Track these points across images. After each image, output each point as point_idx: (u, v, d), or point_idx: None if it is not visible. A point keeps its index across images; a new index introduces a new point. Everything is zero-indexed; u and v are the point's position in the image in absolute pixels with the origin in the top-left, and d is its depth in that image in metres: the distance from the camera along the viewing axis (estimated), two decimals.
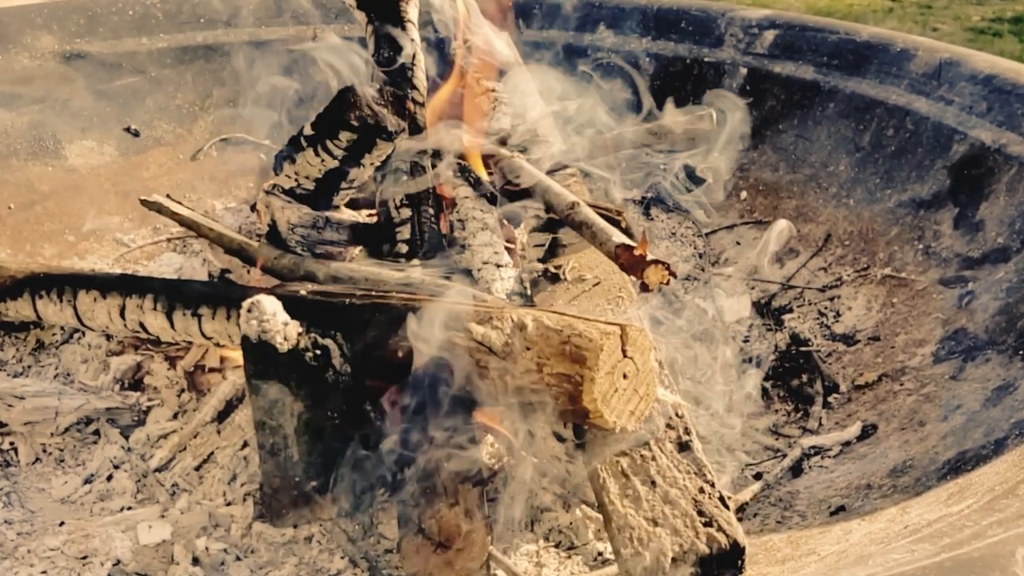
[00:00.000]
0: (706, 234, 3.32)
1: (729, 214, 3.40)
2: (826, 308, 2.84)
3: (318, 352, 1.85)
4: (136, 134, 3.51)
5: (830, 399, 2.52)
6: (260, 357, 1.83)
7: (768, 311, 2.89)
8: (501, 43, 3.26)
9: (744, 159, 3.49)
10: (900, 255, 2.84)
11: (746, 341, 2.77)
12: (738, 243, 3.25)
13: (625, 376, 1.67)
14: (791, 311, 2.88)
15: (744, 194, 3.41)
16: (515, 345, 1.68)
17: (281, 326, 1.82)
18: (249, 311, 1.82)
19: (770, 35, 3.62)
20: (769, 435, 2.43)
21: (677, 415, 1.86)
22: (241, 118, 3.69)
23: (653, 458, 1.77)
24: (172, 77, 3.71)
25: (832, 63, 3.42)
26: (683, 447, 1.79)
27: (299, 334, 1.84)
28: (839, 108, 3.32)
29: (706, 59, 3.68)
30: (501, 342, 1.69)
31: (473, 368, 1.72)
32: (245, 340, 1.83)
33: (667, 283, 1.94)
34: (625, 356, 1.66)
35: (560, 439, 2.06)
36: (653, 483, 1.72)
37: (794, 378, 2.61)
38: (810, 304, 2.88)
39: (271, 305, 1.83)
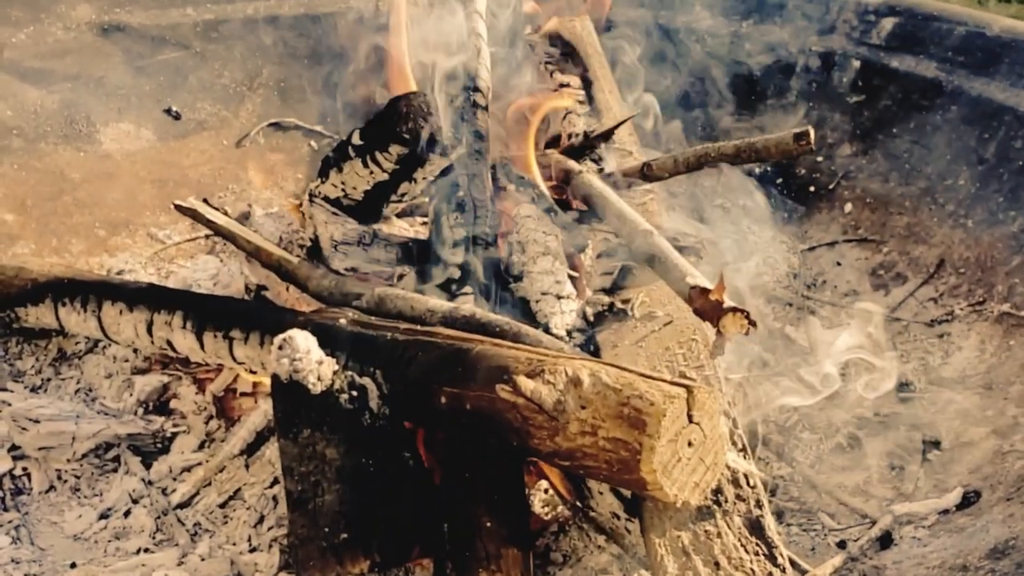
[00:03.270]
0: (802, 251, 3.28)
1: (830, 229, 3.35)
2: (933, 346, 2.79)
3: (354, 393, 1.87)
4: (177, 117, 3.55)
5: (930, 456, 2.47)
6: (291, 398, 1.85)
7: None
8: (580, 30, 3.25)
9: (851, 165, 3.45)
10: (1022, 289, 2.78)
11: (841, 381, 2.72)
12: (839, 263, 3.20)
13: (690, 444, 1.65)
14: (894, 347, 2.84)
15: (848, 207, 3.36)
16: (568, 403, 1.68)
17: (315, 365, 1.84)
18: (280, 348, 1.84)
19: (888, 23, 3.56)
20: (858, 496, 2.40)
21: (749, 485, 1.84)
22: (292, 100, 3.72)
23: (718, 535, 1.76)
24: (218, 53, 3.74)
25: (957, 59, 3.35)
26: (753, 524, 1.78)
27: (334, 373, 1.86)
28: (963, 112, 3.25)
29: (813, 48, 3.64)
30: (553, 400, 1.68)
31: (521, 425, 1.72)
32: (275, 379, 1.85)
33: (746, 333, 1.92)
34: (691, 422, 1.64)
35: (620, 496, 2.06)
36: (716, 564, 1.71)
37: (891, 429, 2.57)
38: (916, 340, 2.84)
39: (304, 342, 1.84)
